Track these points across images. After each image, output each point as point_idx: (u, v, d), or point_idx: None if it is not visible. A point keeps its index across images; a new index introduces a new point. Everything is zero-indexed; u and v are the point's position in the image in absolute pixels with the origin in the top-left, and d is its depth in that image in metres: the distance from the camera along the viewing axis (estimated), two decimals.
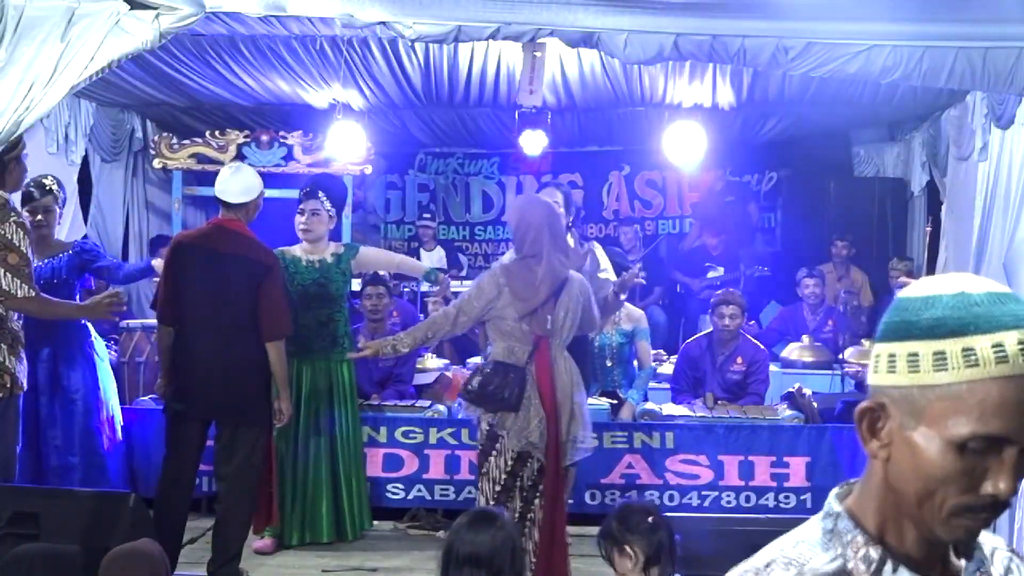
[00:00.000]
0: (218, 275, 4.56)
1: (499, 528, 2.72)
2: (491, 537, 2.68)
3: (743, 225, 10.09)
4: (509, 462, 4.26)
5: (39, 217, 5.23)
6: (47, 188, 5.30)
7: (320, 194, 5.38)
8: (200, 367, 4.58)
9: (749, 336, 6.64)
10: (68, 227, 6.99)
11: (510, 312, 4.25)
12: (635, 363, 6.32)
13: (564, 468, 4.36)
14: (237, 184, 4.71)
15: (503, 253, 5.44)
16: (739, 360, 6.32)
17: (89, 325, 5.44)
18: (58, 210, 5.39)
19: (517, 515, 4.20)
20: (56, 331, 5.15)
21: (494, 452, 4.29)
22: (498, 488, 4.27)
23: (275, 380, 4.67)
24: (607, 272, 5.26)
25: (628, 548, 2.99)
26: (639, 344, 6.13)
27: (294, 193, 7.15)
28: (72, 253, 5.35)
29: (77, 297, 5.44)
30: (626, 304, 5.87)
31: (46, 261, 5.25)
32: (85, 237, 6.79)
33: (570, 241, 5.13)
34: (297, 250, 5.41)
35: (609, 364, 6.01)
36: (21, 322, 4.47)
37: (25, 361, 4.51)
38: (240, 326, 4.56)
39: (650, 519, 3.07)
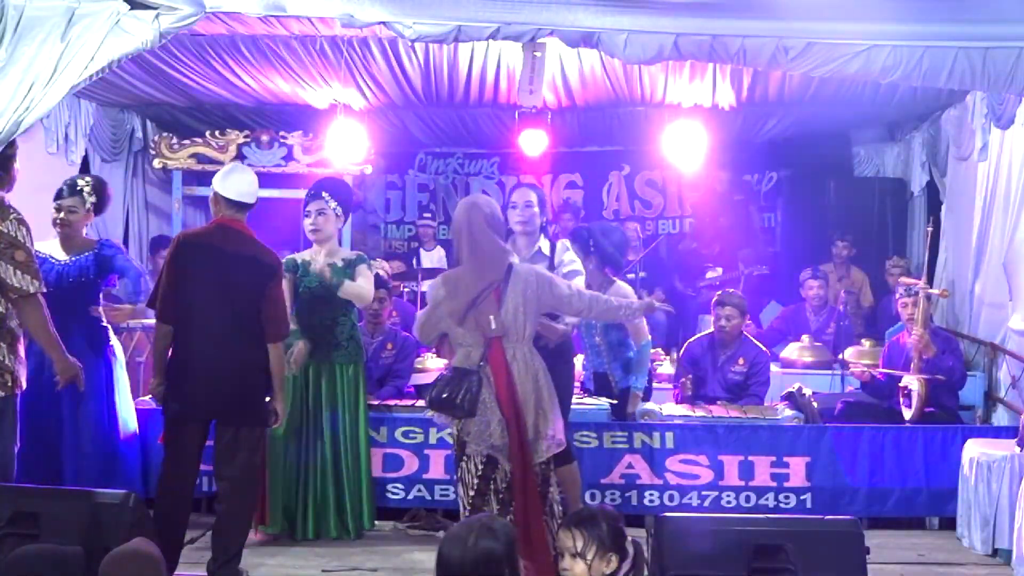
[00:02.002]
0: (224, 275, 4.54)
1: (480, 537, 2.71)
2: (468, 546, 2.67)
3: (745, 226, 10.09)
4: (479, 466, 4.24)
5: (61, 215, 5.26)
6: (77, 188, 5.29)
7: (324, 194, 5.42)
8: (203, 367, 4.56)
9: (751, 338, 6.64)
10: None
11: (453, 320, 4.25)
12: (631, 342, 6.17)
13: (539, 465, 4.29)
14: (249, 185, 4.72)
15: None
16: (741, 361, 6.32)
17: (108, 326, 5.47)
18: (83, 212, 5.31)
19: None
20: (76, 333, 5.15)
21: (464, 457, 4.28)
22: (472, 493, 4.26)
23: (273, 381, 4.66)
24: (574, 264, 5.21)
25: (611, 557, 2.96)
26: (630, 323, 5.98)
27: (294, 193, 7.20)
28: (95, 252, 5.34)
29: (101, 296, 5.47)
30: (616, 280, 5.57)
31: (72, 259, 5.26)
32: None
33: (543, 242, 5.13)
34: (307, 254, 5.46)
35: (598, 341, 5.72)
36: (17, 320, 4.47)
37: (25, 360, 4.51)
38: (244, 326, 4.55)
39: (633, 546, 3.04)
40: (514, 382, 4.21)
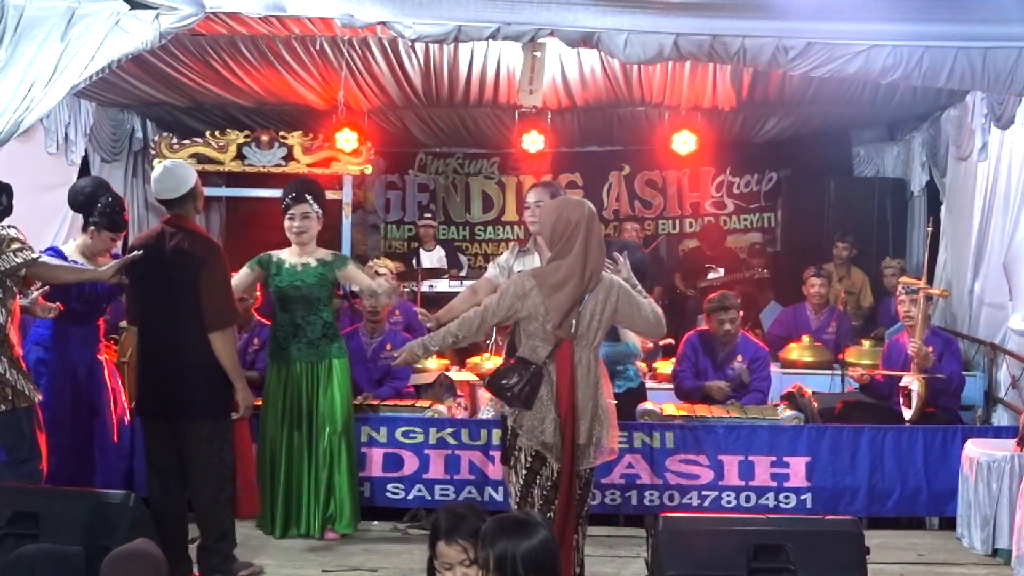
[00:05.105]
0: (162, 273, 4.62)
1: (546, 529, 2.70)
2: (544, 540, 2.65)
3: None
4: (528, 460, 4.25)
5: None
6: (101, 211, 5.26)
7: (308, 197, 5.44)
8: (149, 365, 4.69)
9: (748, 335, 6.63)
10: (67, 229, 7.00)
11: (537, 314, 4.22)
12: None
13: (581, 471, 4.27)
14: (169, 181, 4.71)
15: (503, 253, 5.36)
16: (739, 358, 6.31)
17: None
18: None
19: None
20: (97, 339, 5.34)
21: (516, 449, 4.29)
22: (520, 484, 4.28)
23: (227, 371, 4.65)
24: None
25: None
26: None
27: None
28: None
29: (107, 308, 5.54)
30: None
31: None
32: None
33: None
34: (285, 253, 5.49)
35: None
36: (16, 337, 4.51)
37: (31, 374, 4.56)
38: (184, 321, 4.59)
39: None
40: (575, 385, 4.22)
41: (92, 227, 5.21)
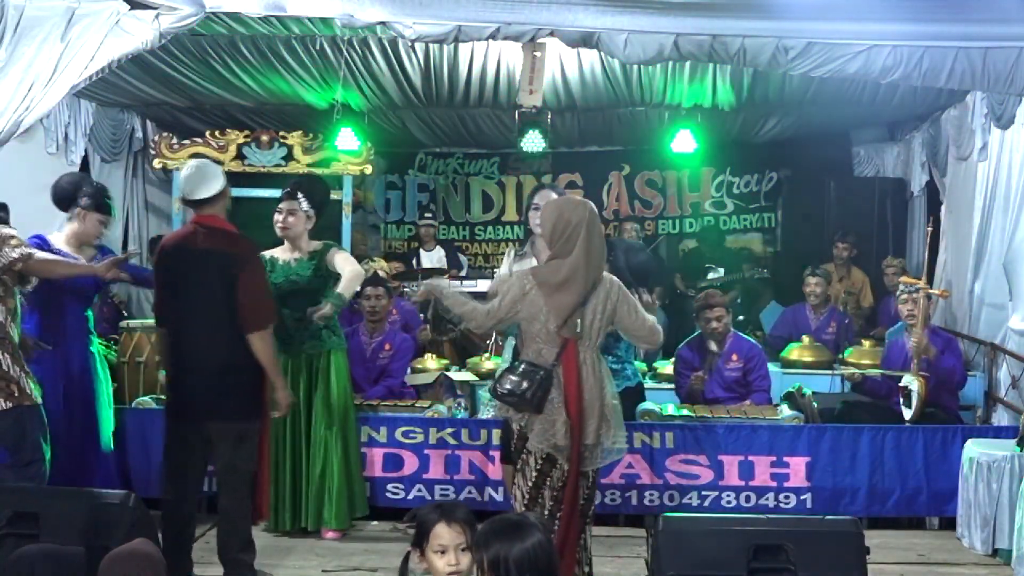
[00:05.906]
0: (196, 273, 4.58)
1: (540, 531, 2.70)
2: (538, 542, 2.65)
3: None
4: (539, 462, 4.24)
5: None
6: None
7: (299, 194, 5.47)
8: (182, 366, 4.65)
9: (741, 334, 6.61)
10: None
11: (539, 315, 4.23)
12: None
13: (586, 471, 4.27)
14: (201, 180, 4.67)
15: (503, 253, 5.36)
16: (734, 357, 6.28)
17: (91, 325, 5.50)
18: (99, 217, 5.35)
19: (547, 514, 4.19)
20: (87, 329, 5.34)
21: (525, 452, 4.28)
22: (529, 485, 4.27)
23: (266, 371, 4.61)
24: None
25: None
26: None
27: None
28: (99, 256, 5.38)
29: (96, 297, 5.61)
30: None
31: (90, 261, 5.30)
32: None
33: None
34: (277, 251, 5.51)
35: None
36: (20, 329, 4.50)
37: (32, 373, 4.55)
38: (218, 322, 4.55)
39: None
40: (582, 385, 4.21)
41: (80, 208, 5.20)
